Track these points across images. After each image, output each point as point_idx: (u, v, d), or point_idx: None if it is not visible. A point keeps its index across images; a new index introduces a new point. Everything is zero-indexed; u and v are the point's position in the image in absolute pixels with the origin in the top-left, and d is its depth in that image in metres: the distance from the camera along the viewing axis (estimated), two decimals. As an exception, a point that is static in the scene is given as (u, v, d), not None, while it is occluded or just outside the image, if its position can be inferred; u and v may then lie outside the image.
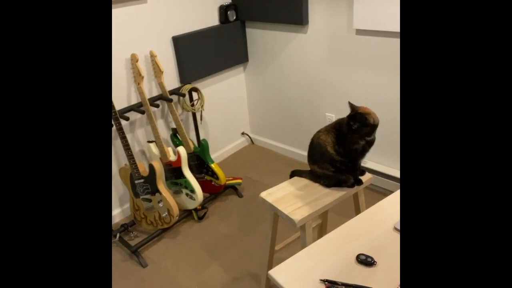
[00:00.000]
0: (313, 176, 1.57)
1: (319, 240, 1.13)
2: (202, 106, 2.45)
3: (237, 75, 2.87)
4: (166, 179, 2.28)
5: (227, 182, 2.46)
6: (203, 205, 2.41)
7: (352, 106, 1.41)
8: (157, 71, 2.16)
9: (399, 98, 2.13)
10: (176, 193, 2.30)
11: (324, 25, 2.28)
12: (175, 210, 2.09)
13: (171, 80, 2.42)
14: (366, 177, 1.58)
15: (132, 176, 2.08)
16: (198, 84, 2.59)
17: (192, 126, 2.65)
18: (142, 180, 2.08)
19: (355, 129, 1.37)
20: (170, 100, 2.21)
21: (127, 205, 2.44)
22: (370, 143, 1.43)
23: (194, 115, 2.50)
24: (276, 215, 1.53)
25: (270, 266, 1.72)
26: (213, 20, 2.55)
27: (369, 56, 2.15)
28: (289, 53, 2.54)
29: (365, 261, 1.04)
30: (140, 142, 2.38)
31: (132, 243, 2.15)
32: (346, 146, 1.45)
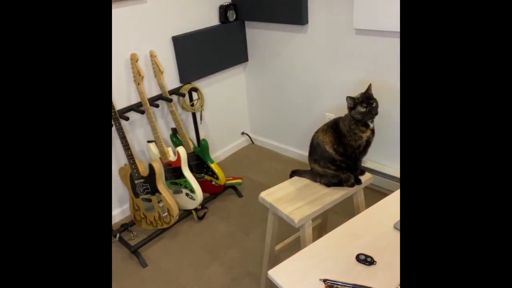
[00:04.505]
0: (313, 175, 1.57)
1: (319, 240, 1.13)
2: (202, 106, 2.45)
3: (237, 75, 2.87)
4: (166, 179, 2.28)
5: (227, 182, 2.46)
6: (203, 205, 2.41)
7: (353, 99, 1.42)
8: (157, 71, 2.16)
9: (399, 97, 2.12)
10: (176, 193, 2.30)
11: (324, 25, 2.28)
12: (175, 210, 2.09)
13: (171, 80, 2.42)
14: (366, 177, 1.58)
15: (132, 176, 2.08)
16: (198, 84, 2.59)
17: (192, 126, 2.65)
18: (142, 180, 2.08)
19: (367, 111, 1.39)
20: (170, 100, 2.21)
21: (127, 205, 2.44)
22: (373, 132, 1.45)
23: (194, 115, 2.50)
24: (276, 215, 1.53)
25: (270, 266, 1.72)
26: (213, 20, 2.54)
27: (369, 56, 2.15)
28: (289, 53, 2.54)
29: (365, 260, 1.04)
30: (140, 142, 2.38)
31: (132, 243, 2.14)
32: (348, 146, 1.45)
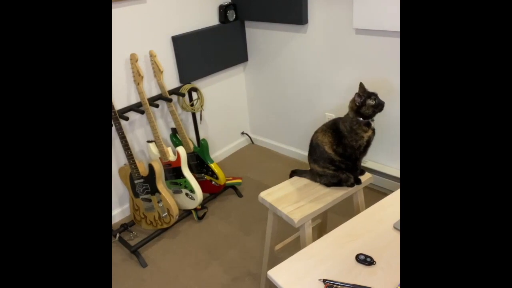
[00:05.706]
0: (313, 175, 1.57)
1: (318, 240, 1.13)
2: (201, 106, 2.45)
3: (236, 74, 2.87)
4: (166, 179, 2.28)
5: (227, 182, 2.46)
6: (203, 205, 2.41)
7: (360, 96, 1.42)
8: (157, 71, 2.16)
9: (399, 97, 2.12)
10: (175, 193, 2.30)
11: (323, 25, 2.28)
12: (175, 210, 2.09)
13: (170, 80, 2.42)
14: (365, 177, 1.58)
15: (132, 176, 2.08)
16: (197, 84, 2.59)
17: (191, 126, 2.65)
18: (141, 180, 2.08)
19: (377, 102, 1.40)
20: (170, 100, 2.21)
21: (127, 205, 2.44)
22: (374, 132, 1.45)
23: (193, 115, 2.50)
24: (275, 215, 1.53)
25: (270, 266, 1.72)
26: (213, 20, 2.54)
27: (369, 55, 2.15)
28: (289, 53, 2.54)
29: (365, 260, 1.04)
30: (140, 142, 2.38)
31: (132, 243, 2.14)
32: (348, 147, 1.45)
